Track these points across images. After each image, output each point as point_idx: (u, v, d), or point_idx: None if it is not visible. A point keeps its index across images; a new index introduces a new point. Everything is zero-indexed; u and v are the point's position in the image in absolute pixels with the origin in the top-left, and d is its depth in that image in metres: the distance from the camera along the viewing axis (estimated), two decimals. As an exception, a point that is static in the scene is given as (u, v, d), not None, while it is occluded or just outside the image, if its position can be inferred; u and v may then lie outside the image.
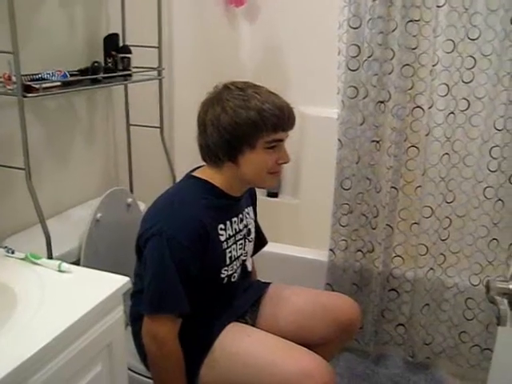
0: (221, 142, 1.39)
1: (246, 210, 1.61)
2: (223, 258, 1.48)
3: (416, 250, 2.08)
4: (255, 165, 1.42)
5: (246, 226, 1.59)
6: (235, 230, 1.52)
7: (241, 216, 1.56)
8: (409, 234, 2.11)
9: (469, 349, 2.11)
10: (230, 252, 1.50)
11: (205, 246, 1.39)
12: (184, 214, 1.38)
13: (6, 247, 1.29)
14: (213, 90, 1.46)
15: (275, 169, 1.46)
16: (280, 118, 1.39)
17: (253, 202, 1.70)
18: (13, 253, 1.27)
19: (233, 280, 1.54)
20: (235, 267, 1.54)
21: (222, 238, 1.46)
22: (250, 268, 1.67)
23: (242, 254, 1.58)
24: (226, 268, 1.49)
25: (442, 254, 2.08)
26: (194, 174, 1.51)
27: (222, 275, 1.49)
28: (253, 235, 1.66)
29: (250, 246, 1.64)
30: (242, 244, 1.56)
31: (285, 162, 1.46)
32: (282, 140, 1.44)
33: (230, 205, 1.51)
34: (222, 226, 1.47)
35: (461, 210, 2.04)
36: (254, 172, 1.44)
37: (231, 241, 1.50)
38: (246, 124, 1.37)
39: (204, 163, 1.51)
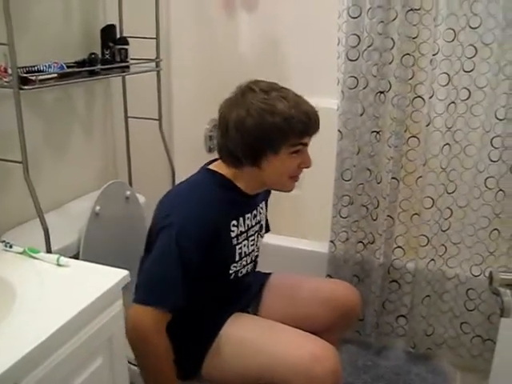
0: (244, 145, 1.36)
1: (260, 205, 1.60)
2: (233, 254, 1.47)
3: (417, 241, 2.07)
4: (278, 169, 1.41)
5: (258, 222, 1.58)
6: (247, 225, 1.51)
7: (254, 212, 1.55)
8: (410, 224, 2.09)
9: (470, 339, 2.10)
10: (241, 248, 1.49)
11: (213, 243, 1.37)
12: (197, 209, 1.36)
13: (3, 241, 1.28)
14: (236, 89, 1.41)
15: (296, 173, 1.44)
16: (306, 124, 1.37)
17: (266, 196, 1.68)
18: (11, 247, 1.26)
19: (239, 275, 1.53)
20: (244, 263, 1.53)
21: (233, 234, 1.45)
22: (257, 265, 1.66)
23: (253, 251, 1.57)
24: (234, 264, 1.48)
25: (442, 244, 2.07)
26: (211, 167, 1.49)
27: (231, 271, 1.48)
28: (264, 230, 1.65)
29: (261, 242, 1.64)
30: (253, 240, 1.55)
31: (307, 167, 1.44)
32: (306, 144, 1.42)
33: (245, 202, 1.49)
34: (234, 222, 1.45)
35: (462, 201, 2.02)
36: (276, 176, 1.42)
37: (242, 237, 1.49)
38: (271, 129, 1.33)
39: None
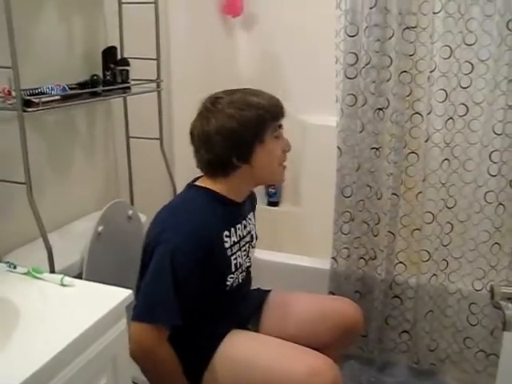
0: (232, 147, 1.42)
1: (249, 215, 1.63)
2: (229, 265, 1.48)
3: (418, 256, 2.07)
4: (268, 158, 1.47)
5: (249, 233, 1.60)
6: (239, 236, 1.53)
7: (244, 222, 1.58)
8: (411, 240, 2.10)
9: (474, 354, 2.10)
10: (236, 259, 1.50)
11: (208, 256, 1.39)
12: (190, 225, 1.39)
13: (7, 262, 1.28)
14: (201, 105, 1.48)
15: (283, 159, 1.51)
16: (277, 107, 1.47)
17: (253, 207, 1.71)
18: (15, 268, 1.27)
19: (235, 285, 1.54)
20: (239, 274, 1.54)
21: (227, 245, 1.47)
22: (252, 274, 1.67)
23: (245, 261, 1.58)
24: (231, 275, 1.49)
25: (444, 259, 2.07)
26: (196, 183, 1.53)
27: (228, 283, 1.49)
28: (255, 241, 1.66)
29: (253, 253, 1.65)
30: (246, 251, 1.57)
31: (289, 149, 1.52)
32: (282, 127, 1.50)
33: (234, 211, 1.53)
34: (226, 232, 1.48)
35: (462, 215, 2.03)
36: (268, 166, 1.49)
37: (236, 247, 1.51)
38: (252, 122, 1.41)
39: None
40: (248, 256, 1.60)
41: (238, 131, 1.40)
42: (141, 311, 1.34)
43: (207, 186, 1.49)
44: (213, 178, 1.49)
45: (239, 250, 1.53)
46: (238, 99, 1.43)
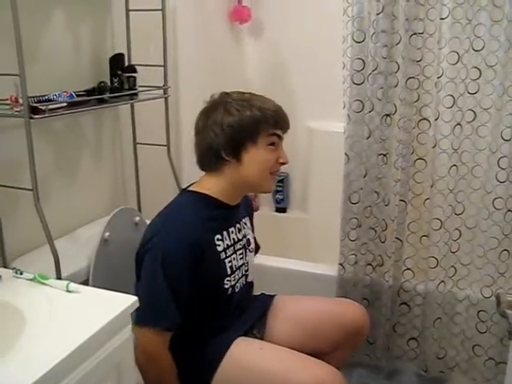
0: (224, 139, 1.44)
1: (244, 220, 1.63)
2: (224, 268, 1.49)
3: (426, 263, 2.06)
4: (258, 162, 1.47)
5: (244, 236, 1.60)
6: (233, 239, 1.54)
7: (238, 226, 1.58)
8: (418, 246, 2.09)
9: (483, 362, 2.07)
10: (231, 262, 1.51)
11: (199, 260, 1.41)
12: (178, 230, 1.41)
13: (14, 268, 1.28)
14: (210, 98, 1.53)
15: (276, 168, 1.51)
16: (279, 117, 1.49)
17: (249, 213, 1.72)
18: (21, 274, 1.27)
19: (236, 290, 1.54)
20: (237, 277, 1.55)
21: (220, 249, 1.48)
22: (250, 278, 1.67)
23: (243, 264, 1.58)
24: (228, 278, 1.50)
25: (452, 266, 2.06)
26: (189, 188, 1.54)
27: (226, 286, 1.50)
28: (253, 245, 1.67)
29: (251, 257, 1.65)
30: (242, 254, 1.58)
31: (285, 162, 1.52)
32: (280, 138, 1.50)
33: (226, 215, 1.53)
34: (218, 236, 1.49)
35: (470, 222, 2.02)
36: (258, 171, 1.48)
37: (230, 250, 1.52)
38: (249, 120, 1.44)
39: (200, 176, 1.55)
40: (245, 259, 1.61)
41: (233, 126, 1.43)
42: (144, 316, 1.35)
43: (199, 190, 1.51)
44: (207, 175, 1.52)
45: (234, 252, 1.54)
46: (242, 98, 1.47)
